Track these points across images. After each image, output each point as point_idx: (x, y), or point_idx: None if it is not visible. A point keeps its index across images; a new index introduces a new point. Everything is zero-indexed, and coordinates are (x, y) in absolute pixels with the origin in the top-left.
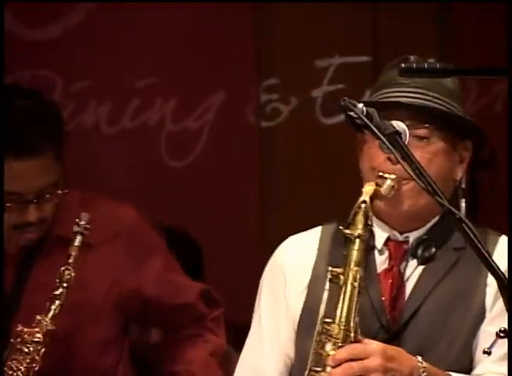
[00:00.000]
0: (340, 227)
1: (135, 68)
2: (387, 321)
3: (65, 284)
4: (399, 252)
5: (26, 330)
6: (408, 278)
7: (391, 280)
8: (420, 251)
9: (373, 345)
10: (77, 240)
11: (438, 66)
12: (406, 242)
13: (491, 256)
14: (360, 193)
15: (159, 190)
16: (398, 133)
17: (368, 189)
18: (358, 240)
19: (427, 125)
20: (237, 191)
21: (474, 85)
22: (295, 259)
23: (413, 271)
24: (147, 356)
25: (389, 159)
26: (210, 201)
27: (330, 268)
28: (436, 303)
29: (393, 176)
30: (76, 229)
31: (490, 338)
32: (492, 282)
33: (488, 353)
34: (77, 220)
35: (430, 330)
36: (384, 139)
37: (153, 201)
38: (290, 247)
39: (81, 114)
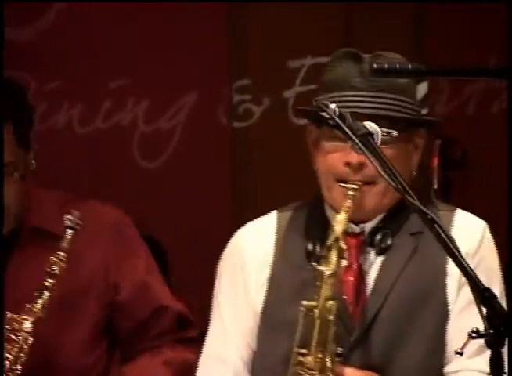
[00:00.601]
0: (314, 264)
1: (107, 69)
2: (351, 320)
3: (54, 276)
4: (356, 245)
5: (15, 316)
6: (367, 272)
7: (351, 278)
8: (376, 241)
9: None
10: (69, 234)
11: (410, 66)
12: (362, 233)
13: (463, 257)
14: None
15: (131, 191)
16: (370, 134)
17: (341, 219)
18: (332, 276)
19: (388, 132)
20: (210, 192)
21: (446, 86)
22: (253, 249)
23: (372, 263)
24: None
25: (348, 164)
26: (182, 202)
27: (304, 302)
28: (399, 298)
29: (355, 186)
30: (67, 223)
31: (460, 334)
32: (452, 272)
33: (460, 354)
34: (67, 216)
35: (396, 327)
36: (357, 140)
37: (126, 202)
38: (247, 236)
39: (53, 115)
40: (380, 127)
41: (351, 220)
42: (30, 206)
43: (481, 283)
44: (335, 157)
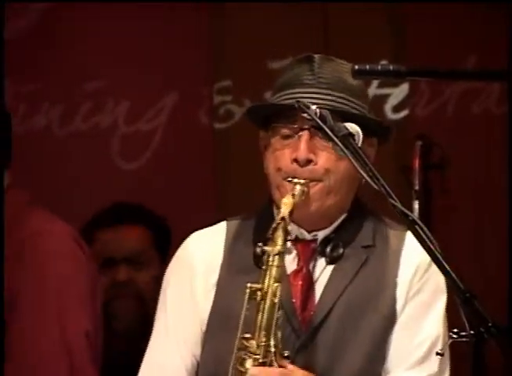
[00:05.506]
0: (260, 244)
1: (87, 70)
2: (299, 324)
3: None
4: (307, 252)
5: None
6: (317, 279)
7: (301, 282)
8: (328, 250)
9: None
10: None
11: (391, 68)
12: (314, 241)
13: (445, 258)
14: None
15: (112, 193)
16: (351, 135)
17: (287, 202)
18: (277, 257)
19: None
20: (192, 193)
21: (426, 88)
22: (202, 256)
23: (322, 271)
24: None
25: (295, 160)
26: (164, 204)
27: (249, 284)
28: (347, 306)
29: (302, 181)
30: None
31: (403, 344)
32: (402, 281)
33: (441, 355)
34: None
35: (341, 334)
36: (338, 141)
37: (106, 204)
38: (197, 244)
39: (32, 116)
40: None
41: (305, 228)
42: None
43: (463, 284)
44: (283, 155)
